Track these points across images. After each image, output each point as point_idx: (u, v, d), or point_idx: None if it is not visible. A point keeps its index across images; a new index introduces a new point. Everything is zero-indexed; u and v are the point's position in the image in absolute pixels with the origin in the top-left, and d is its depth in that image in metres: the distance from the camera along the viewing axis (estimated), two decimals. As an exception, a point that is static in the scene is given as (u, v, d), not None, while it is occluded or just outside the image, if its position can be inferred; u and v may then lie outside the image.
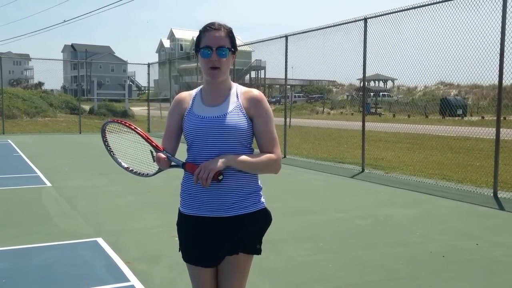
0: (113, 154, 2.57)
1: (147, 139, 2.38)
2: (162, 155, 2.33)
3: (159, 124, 22.64)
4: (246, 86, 2.48)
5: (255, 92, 2.39)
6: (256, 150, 2.39)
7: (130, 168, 2.55)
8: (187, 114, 2.36)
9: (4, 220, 6.24)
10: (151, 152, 2.38)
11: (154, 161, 2.40)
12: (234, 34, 2.38)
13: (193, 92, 2.46)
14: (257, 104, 2.35)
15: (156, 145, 2.37)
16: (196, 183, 2.22)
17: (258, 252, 2.40)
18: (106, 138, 2.57)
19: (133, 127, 2.42)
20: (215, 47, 2.27)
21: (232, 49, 2.33)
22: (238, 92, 2.38)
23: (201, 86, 2.45)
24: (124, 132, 2.56)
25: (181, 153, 2.39)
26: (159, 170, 2.43)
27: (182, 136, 2.43)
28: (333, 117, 33.08)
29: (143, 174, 2.52)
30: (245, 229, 2.32)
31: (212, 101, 2.35)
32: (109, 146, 2.57)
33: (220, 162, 2.20)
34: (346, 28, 11.39)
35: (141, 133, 2.41)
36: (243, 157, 2.26)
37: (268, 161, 2.31)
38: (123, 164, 2.55)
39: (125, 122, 2.49)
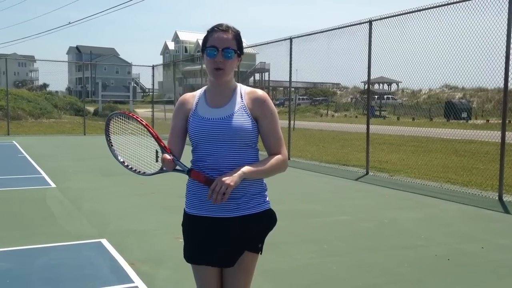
0: (111, 145, 2.56)
1: (156, 138, 2.37)
2: (168, 157, 2.33)
3: (164, 126, 22.64)
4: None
5: (259, 92, 2.39)
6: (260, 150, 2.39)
7: (126, 163, 2.54)
8: (192, 115, 2.36)
9: (8, 221, 6.25)
10: (157, 152, 2.38)
11: (157, 161, 2.39)
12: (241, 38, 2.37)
13: (197, 93, 2.44)
14: (262, 105, 2.34)
15: (164, 146, 2.36)
16: (209, 198, 2.20)
17: (259, 250, 2.39)
18: (109, 130, 2.56)
19: (144, 123, 2.42)
20: (221, 48, 2.26)
21: (238, 52, 2.32)
22: (242, 93, 2.37)
23: (204, 87, 2.45)
24: (130, 127, 2.55)
25: (186, 154, 2.39)
26: (160, 171, 2.41)
27: (187, 138, 2.43)
28: (337, 120, 33.05)
29: (139, 172, 2.51)
30: (249, 230, 2.32)
31: (216, 102, 2.34)
32: (110, 137, 2.56)
33: (237, 177, 2.20)
34: (351, 31, 11.37)
35: (152, 131, 2.40)
36: (256, 167, 2.27)
37: (277, 163, 2.34)
38: (119, 157, 2.55)
39: (137, 117, 2.48)
